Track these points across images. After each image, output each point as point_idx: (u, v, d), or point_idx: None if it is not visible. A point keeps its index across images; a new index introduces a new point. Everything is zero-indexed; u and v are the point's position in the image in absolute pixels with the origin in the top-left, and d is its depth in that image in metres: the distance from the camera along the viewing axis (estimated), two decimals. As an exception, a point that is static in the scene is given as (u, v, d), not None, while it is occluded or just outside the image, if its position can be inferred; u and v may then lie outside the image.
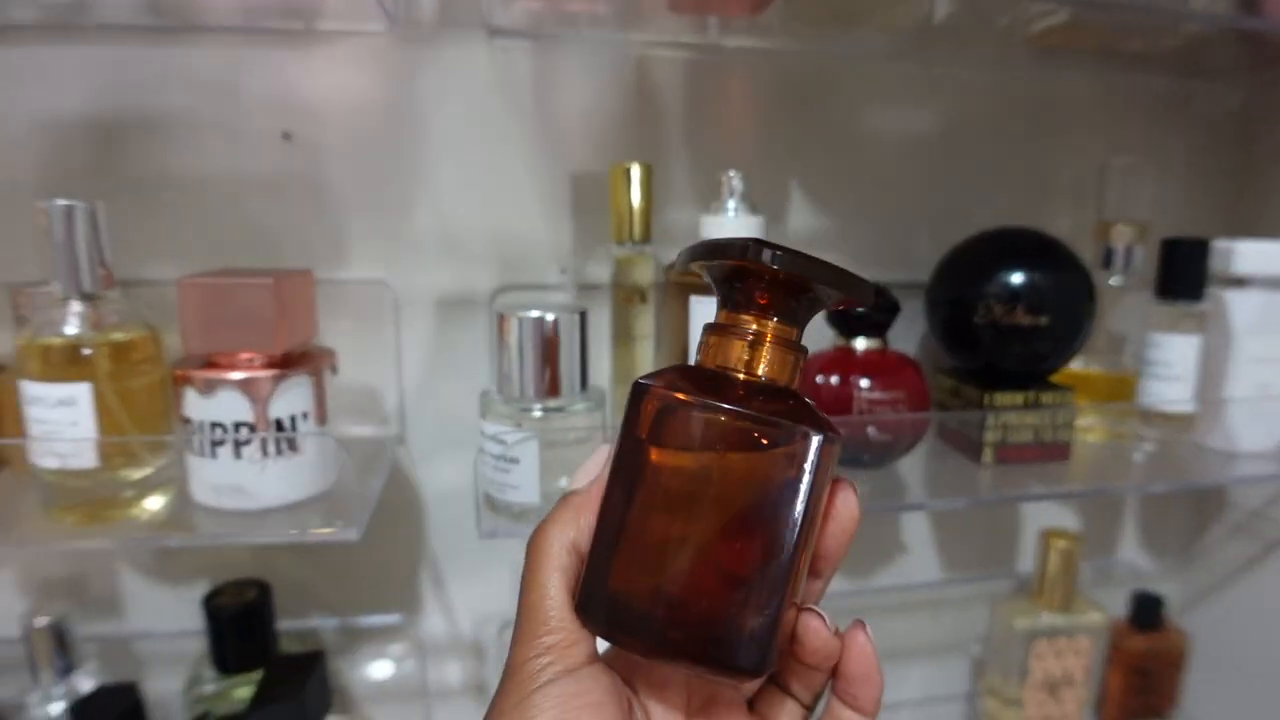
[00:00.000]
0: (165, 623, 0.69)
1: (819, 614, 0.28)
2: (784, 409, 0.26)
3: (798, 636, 0.28)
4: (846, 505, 0.28)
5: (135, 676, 0.65)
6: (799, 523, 0.26)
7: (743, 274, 0.27)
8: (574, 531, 0.28)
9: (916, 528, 0.82)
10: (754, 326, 0.28)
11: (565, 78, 0.65)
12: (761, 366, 0.27)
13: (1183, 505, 0.88)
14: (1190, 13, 0.59)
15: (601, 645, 0.28)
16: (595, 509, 0.28)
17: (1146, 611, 0.78)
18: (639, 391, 0.28)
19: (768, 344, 0.27)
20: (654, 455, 0.27)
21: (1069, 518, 0.85)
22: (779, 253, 0.25)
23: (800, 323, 0.28)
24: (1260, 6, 0.63)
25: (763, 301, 0.28)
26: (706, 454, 0.26)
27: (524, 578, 0.29)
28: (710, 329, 0.29)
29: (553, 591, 0.28)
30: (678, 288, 0.58)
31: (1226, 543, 0.85)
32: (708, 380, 0.27)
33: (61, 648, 0.62)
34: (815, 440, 0.26)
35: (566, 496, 0.29)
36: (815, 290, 0.27)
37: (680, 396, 0.27)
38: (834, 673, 0.29)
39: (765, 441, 0.26)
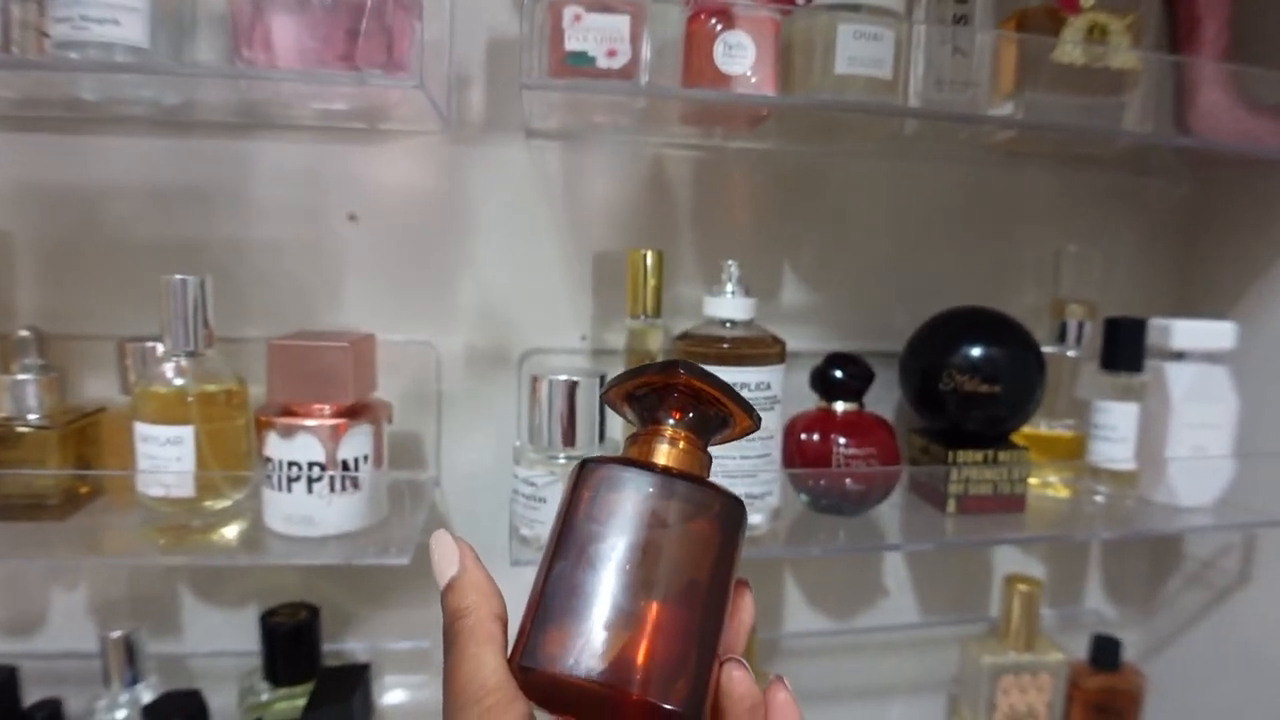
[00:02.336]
0: (218, 643, 0.77)
1: (741, 662, 0.30)
2: (700, 481, 0.32)
3: (723, 687, 0.30)
4: (746, 607, 0.32)
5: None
6: (723, 583, 0.30)
7: (661, 390, 0.33)
8: (485, 606, 0.30)
9: (896, 572, 0.90)
10: (669, 433, 0.33)
11: (591, 172, 0.76)
12: (679, 460, 0.32)
13: (1142, 556, 0.96)
14: (1123, 132, 0.69)
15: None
16: (479, 577, 0.31)
17: (1105, 653, 0.86)
18: (583, 467, 0.32)
19: (682, 446, 0.33)
20: (591, 519, 0.30)
21: (1035, 567, 0.93)
22: (691, 369, 0.32)
23: (704, 435, 0.34)
24: (1188, 125, 0.74)
25: (675, 414, 0.33)
26: (639, 516, 0.30)
27: (447, 661, 0.29)
28: (632, 438, 0.34)
29: (486, 658, 0.29)
30: (682, 355, 0.68)
31: (1183, 592, 0.93)
32: (639, 460, 0.32)
33: (131, 659, 0.69)
34: (729, 501, 0.31)
35: (448, 586, 0.31)
36: (718, 408, 0.33)
37: (616, 466, 0.31)
38: None
39: (686, 502, 0.31)
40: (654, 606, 0.29)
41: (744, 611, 0.32)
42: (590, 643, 0.28)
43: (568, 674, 0.28)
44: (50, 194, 0.69)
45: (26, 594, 0.75)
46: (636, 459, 0.33)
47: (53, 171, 0.69)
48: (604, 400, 0.36)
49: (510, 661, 0.29)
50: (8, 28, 0.56)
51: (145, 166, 0.70)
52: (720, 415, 0.33)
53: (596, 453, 0.65)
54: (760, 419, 0.34)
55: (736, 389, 0.33)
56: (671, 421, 0.33)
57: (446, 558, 0.32)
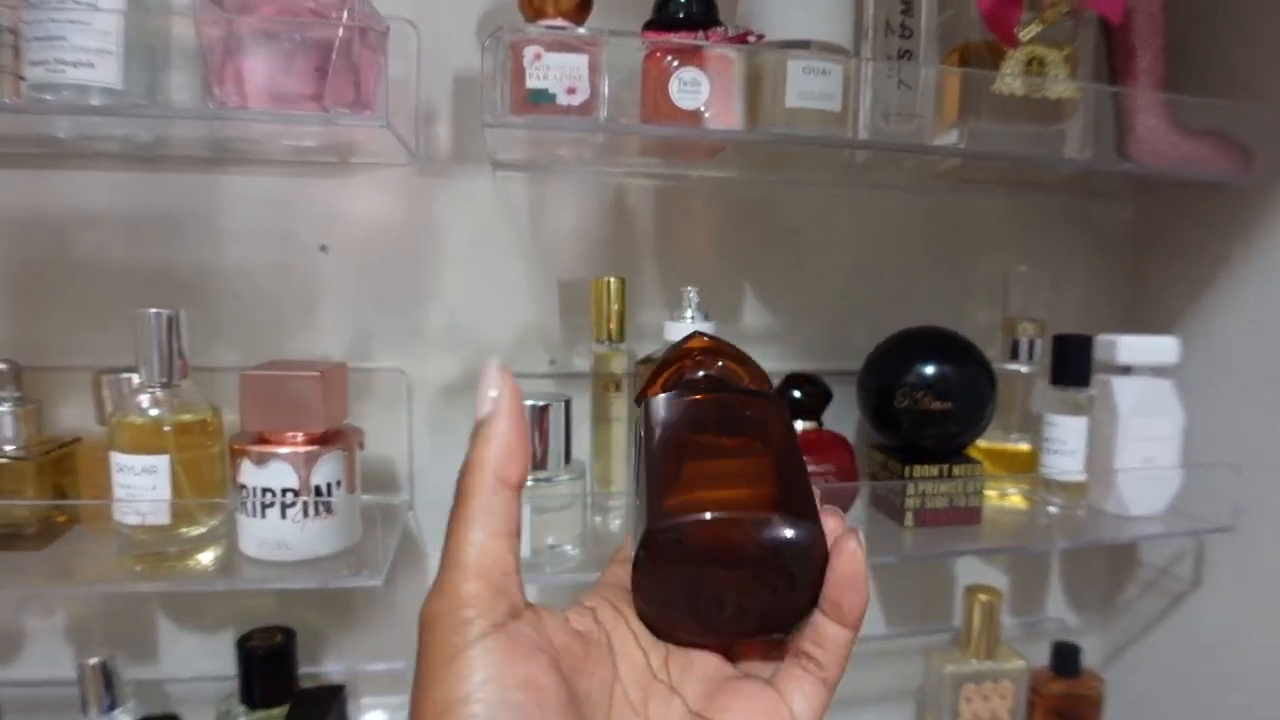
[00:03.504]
0: (195, 668, 0.78)
1: (855, 531, 0.30)
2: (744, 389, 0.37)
3: (834, 564, 0.29)
4: (847, 551, 0.29)
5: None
6: (790, 426, 0.35)
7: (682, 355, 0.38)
8: (493, 462, 0.28)
9: (862, 585, 0.92)
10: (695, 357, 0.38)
11: (555, 202, 0.78)
12: (708, 368, 0.38)
13: (1100, 565, 0.99)
14: (1063, 160, 0.73)
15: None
16: (509, 427, 0.28)
17: (1064, 659, 0.88)
18: (647, 398, 0.36)
19: (699, 360, 0.38)
20: (672, 415, 0.35)
21: (997, 576, 0.96)
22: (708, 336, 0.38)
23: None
24: (1128, 150, 0.77)
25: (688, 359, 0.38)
26: (712, 396, 0.35)
27: (450, 522, 0.28)
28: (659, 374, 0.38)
29: (475, 536, 0.27)
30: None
31: (1140, 598, 0.95)
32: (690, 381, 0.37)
33: (108, 685, 0.70)
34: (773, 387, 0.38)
35: (479, 428, 0.28)
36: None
37: (684, 376, 0.37)
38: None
39: (750, 393, 0.36)
40: (746, 452, 0.33)
41: (844, 560, 0.29)
42: (710, 498, 0.30)
43: (695, 519, 0.28)
44: (23, 226, 0.71)
45: (4, 622, 0.75)
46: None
47: (26, 204, 0.71)
48: (638, 402, 0.37)
49: (621, 553, 0.34)
50: (-16, 72, 0.58)
51: (118, 200, 0.72)
52: (741, 370, 0.38)
53: (564, 477, 0.67)
54: (771, 386, 0.39)
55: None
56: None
57: (486, 391, 0.29)
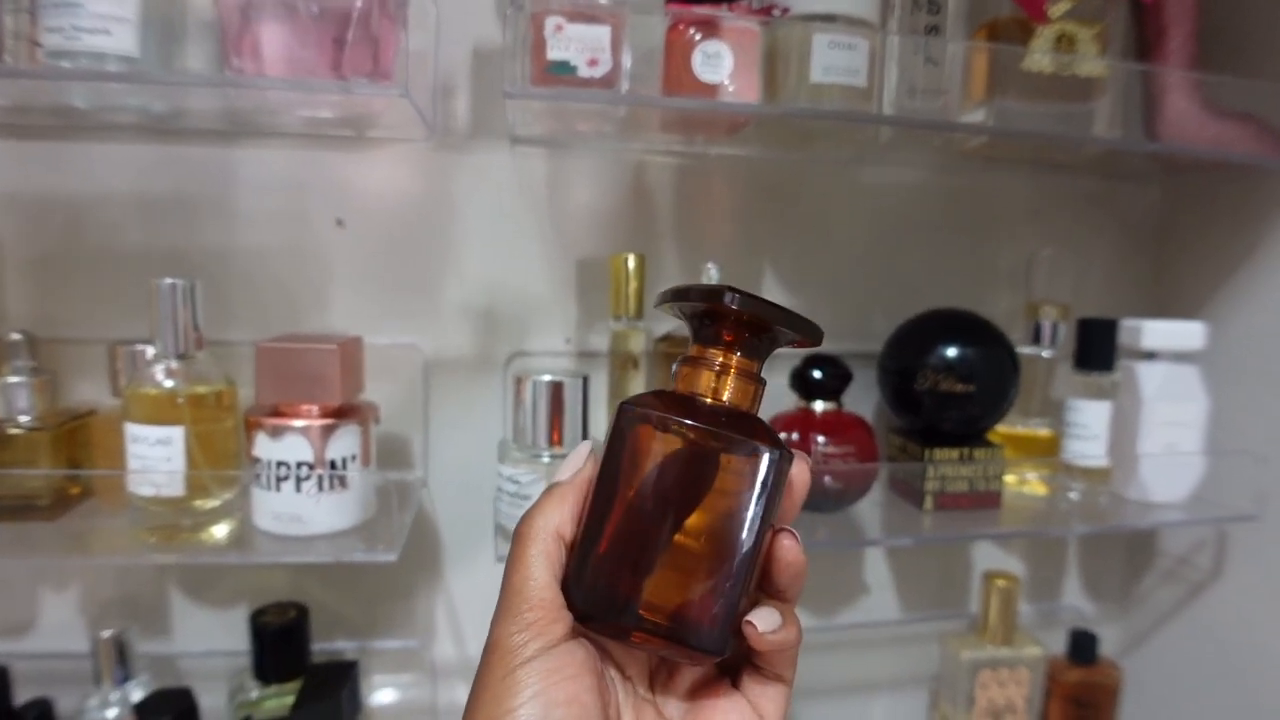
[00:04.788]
0: (208, 642, 0.78)
1: (791, 532, 0.32)
2: (742, 429, 0.31)
3: (774, 554, 0.31)
4: (784, 548, 0.32)
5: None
6: (756, 525, 0.30)
7: (712, 314, 0.32)
8: (558, 518, 0.31)
9: (877, 570, 0.92)
10: (720, 359, 0.32)
11: (574, 178, 0.77)
12: (726, 393, 0.32)
13: (1118, 553, 0.98)
14: (1092, 138, 0.71)
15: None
16: (577, 498, 0.32)
17: (1082, 647, 0.87)
18: (623, 411, 0.32)
19: (731, 374, 0.32)
20: (631, 464, 0.31)
21: (1014, 563, 0.95)
22: (741, 296, 0.30)
23: (760, 357, 0.32)
24: (1156, 131, 0.76)
25: (728, 338, 0.32)
26: (676, 465, 0.31)
27: (509, 560, 0.31)
28: (683, 360, 0.33)
29: (536, 573, 0.30)
30: (664, 356, 0.70)
31: (1158, 588, 0.94)
32: (680, 402, 0.32)
33: (122, 658, 0.70)
34: (767, 456, 0.30)
35: (551, 487, 0.33)
36: (773, 330, 0.31)
37: (656, 414, 0.31)
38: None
39: (725, 454, 0.30)
40: (688, 543, 0.30)
41: (783, 552, 0.32)
42: (631, 575, 0.30)
43: (608, 601, 0.31)
44: (40, 200, 0.71)
45: (17, 595, 0.75)
46: (680, 393, 0.32)
47: (42, 178, 0.70)
48: (658, 306, 0.34)
49: (561, 578, 0.31)
50: (1, 37, 0.57)
51: (134, 172, 0.71)
52: (770, 338, 0.32)
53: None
54: (821, 333, 0.32)
55: (784, 307, 0.31)
56: (720, 348, 0.32)
57: (572, 467, 0.33)
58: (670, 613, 0.30)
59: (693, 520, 0.31)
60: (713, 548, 0.31)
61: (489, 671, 0.29)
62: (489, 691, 0.29)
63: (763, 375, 0.33)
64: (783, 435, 0.71)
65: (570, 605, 0.31)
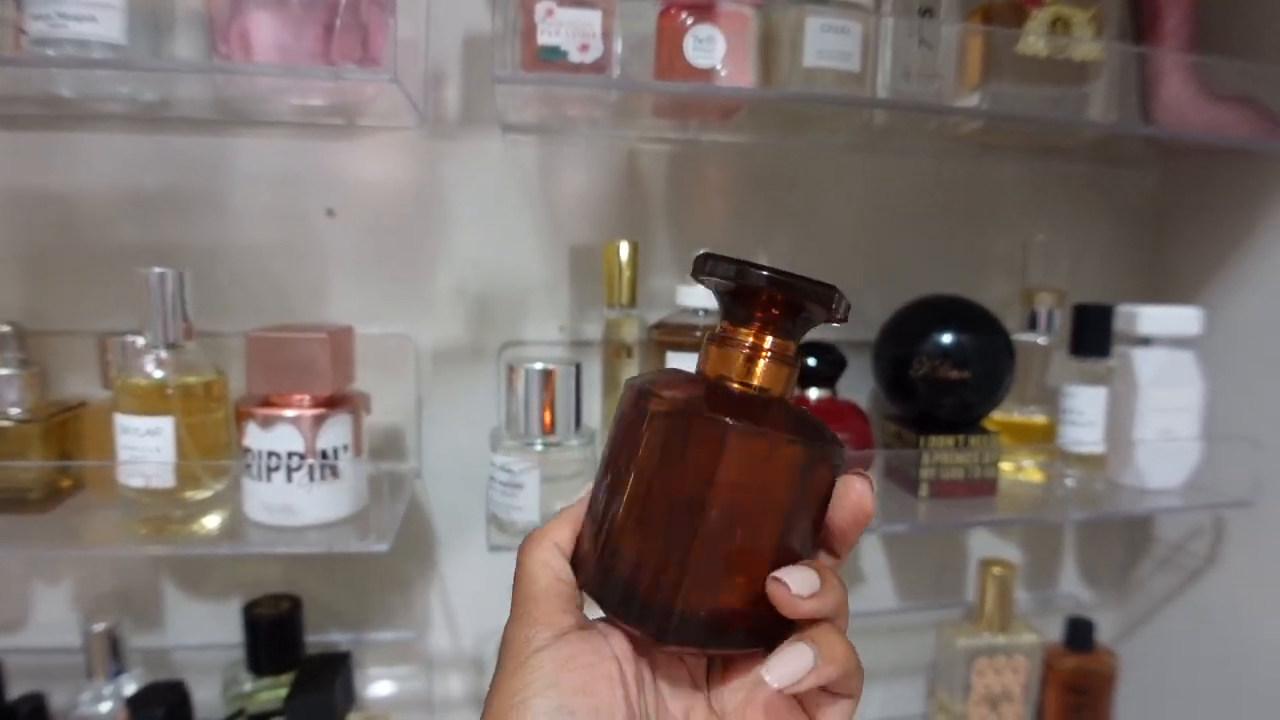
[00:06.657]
0: (201, 635, 0.77)
1: (865, 476, 0.30)
2: (773, 419, 0.28)
3: (839, 489, 0.29)
4: (855, 491, 0.30)
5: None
6: (794, 518, 0.28)
7: (744, 292, 0.28)
8: (561, 537, 0.32)
9: (873, 559, 0.92)
10: (752, 340, 0.28)
11: (566, 165, 0.77)
12: (757, 378, 0.29)
13: (1115, 540, 0.98)
14: (1087, 122, 0.71)
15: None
16: (577, 516, 0.33)
17: (1078, 634, 0.87)
18: (639, 395, 0.29)
19: (764, 357, 0.29)
20: (649, 456, 0.28)
21: (1011, 551, 0.95)
22: (770, 273, 0.27)
23: (795, 337, 0.29)
24: (1153, 114, 0.75)
25: (761, 316, 0.29)
26: (698, 459, 0.27)
27: (517, 572, 0.32)
28: (712, 339, 0.30)
29: (542, 580, 0.31)
30: (658, 345, 0.69)
31: (1155, 575, 0.94)
32: (706, 388, 0.29)
33: (114, 652, 0.70)
34: (801, 449, 0.27)
35: (561, 510, 0.34)
36: (808, 309, 0.28)
37: (679, 400, 0.28)
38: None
39: (757, 447, 0.27)
40: (716, 539, 0.28)
41: (850, 499, 0.30)
42: (655, 573, 0.29)
43: (638, 601, 0.29)
44: (28, 191, 0.70)
45: (9, 588, 0.75)
46: (706, 377, 0.29)
47: (30, 168, 0.70)
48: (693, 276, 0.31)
49: (579, 573, 0.31)
50: (-15, 25, 0.57)
51: (122, 162, 0.71)
52: (805, 318, 0.29)
53: (573, 443, 0.66)
54: (844, 311, 0.29)
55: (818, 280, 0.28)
56: (752, 327, 0.29)
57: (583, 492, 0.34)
58: (693, 609, 0.28)
59: (726, 517, 0.28)
60: (746, 542, 0.28)
61: (501, 669, 0.30)
62: (502, 684, 0.29)
63: (798, 358, 0.31)
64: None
65: (600, 603, 0.31)
